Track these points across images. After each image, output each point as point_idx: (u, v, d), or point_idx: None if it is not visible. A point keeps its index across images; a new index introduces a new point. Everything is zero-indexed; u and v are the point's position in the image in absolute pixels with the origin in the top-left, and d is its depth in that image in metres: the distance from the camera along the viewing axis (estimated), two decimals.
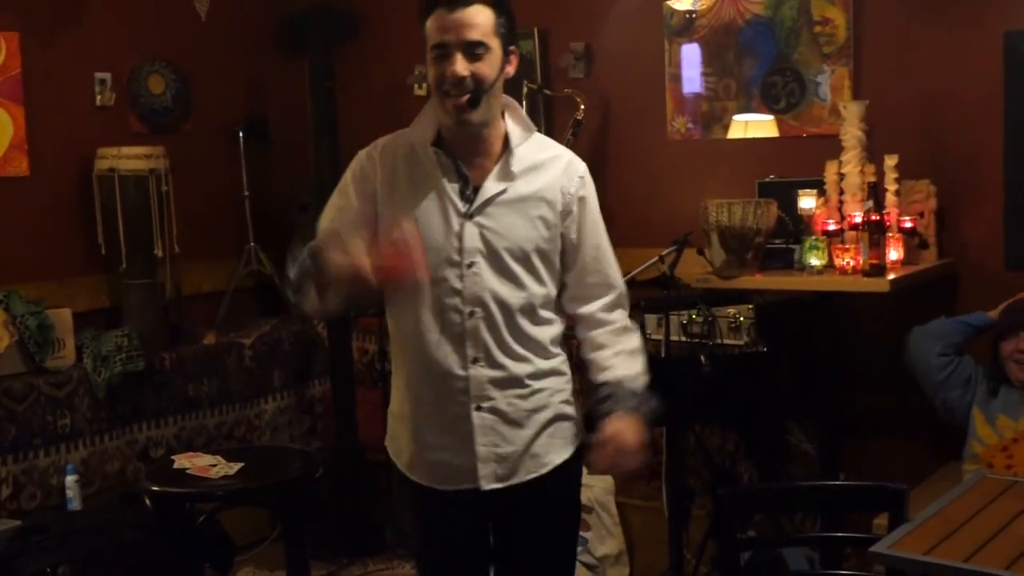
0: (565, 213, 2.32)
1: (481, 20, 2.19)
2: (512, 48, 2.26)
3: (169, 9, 4.62)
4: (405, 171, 2.31)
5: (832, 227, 3.42)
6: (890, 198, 3.42)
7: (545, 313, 2.35)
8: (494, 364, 2.27)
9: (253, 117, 4.85)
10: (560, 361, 2.40)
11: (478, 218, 2.25)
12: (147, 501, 2.79)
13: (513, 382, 2.29)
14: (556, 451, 2.37)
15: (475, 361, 2.25)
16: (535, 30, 4.41)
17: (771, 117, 3.89)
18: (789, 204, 3.54)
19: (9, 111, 4.12)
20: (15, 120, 4.13)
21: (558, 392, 2.38)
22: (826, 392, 3.46)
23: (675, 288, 3.44)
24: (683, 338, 3.62)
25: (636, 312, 3.90)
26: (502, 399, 2.28)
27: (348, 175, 2.39)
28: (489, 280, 2.25)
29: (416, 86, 4.81)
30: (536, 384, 2.33)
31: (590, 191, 2.38)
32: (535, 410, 2.33)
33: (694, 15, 4.02)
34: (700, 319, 3.59)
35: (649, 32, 4.14)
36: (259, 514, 4.15)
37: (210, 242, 4.67)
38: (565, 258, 2.36)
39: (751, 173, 3.83)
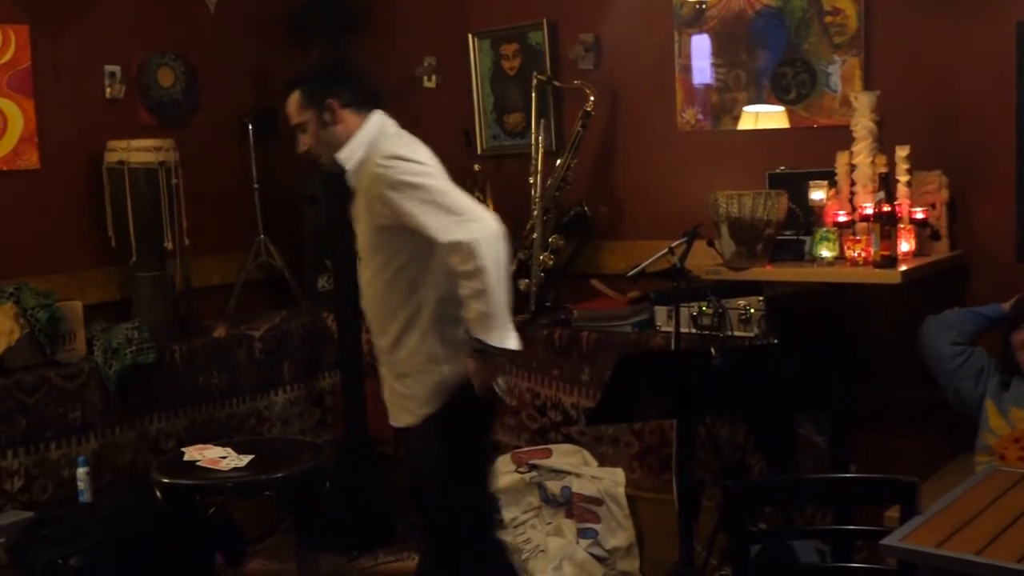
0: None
1: (291, 107, 2.92)
2: (327, 99, 2.89)
3: (178, 1, 4.62)
4: None
5: (843, 218, 3.41)
6: (901, 189, 3.40)
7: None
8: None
9: (262, 109, 4.85)
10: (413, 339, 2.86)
11: None
12: (158, 493, 2.79)
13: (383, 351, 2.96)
14: (398, 416, 2.96)
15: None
16: (544, 21, 4.40)
17: (782, 108, 3.88)
18: (800, 195, 3.52)
19: (19, 104, 4.12)
20: (25, 113, 4.14)
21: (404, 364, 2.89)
22: (837, 384, 3.45)
23: (685, 280, 3.42)
24: (693, 330, 3.61)
25: (647, 304, 3.92)
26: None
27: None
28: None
29: (425, 78, 4.81)
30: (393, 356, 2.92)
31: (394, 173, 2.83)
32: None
33: (704, 5, 4.00)
34: (710, 311, 3.58)
35: (659, 23, 4.12)
36: (269, 506, 4.15)
37: (220, 234, 4.68)
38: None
39: (761, 164, 3.82)
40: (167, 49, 4.59)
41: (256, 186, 4.74)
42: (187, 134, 4.56)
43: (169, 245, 4.26)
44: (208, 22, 4.67)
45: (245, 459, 2.86)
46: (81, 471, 3.82)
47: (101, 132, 4.26)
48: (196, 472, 2.81)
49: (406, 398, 2.90)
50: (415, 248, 2.80)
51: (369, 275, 2.93)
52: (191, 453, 2.92)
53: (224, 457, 2.88)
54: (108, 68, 4.40)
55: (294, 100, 2.94)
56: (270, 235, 4.76)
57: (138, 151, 4.18)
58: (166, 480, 2.77)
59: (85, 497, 3.82)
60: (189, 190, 4.35)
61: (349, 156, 2.92)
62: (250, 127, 4.76)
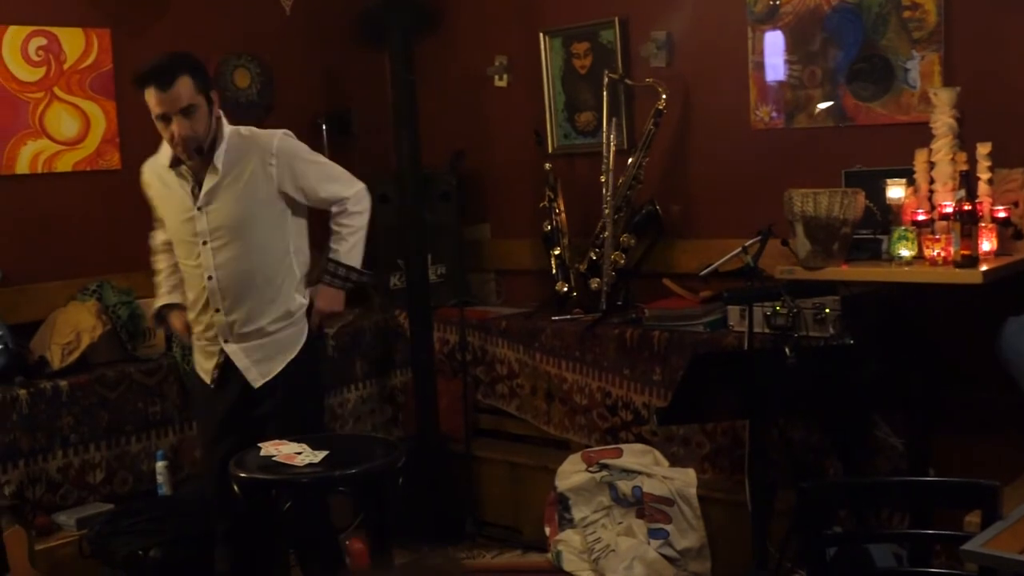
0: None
1: (183, 90, 3.04)
2: (211, 90, 3.14)
3: (254, 3, 4.69)
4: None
5: (922, 217, 3.34)
6: (982, 187, 3.32)
7: None
8: None
9: (335, 109, 4.91)
10: None
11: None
12: (235, 487, 2.84)
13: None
14: None
15: None
16: (616, 19, 4.38)
17: (854, 105, 3.81)
18: (877, 194, 3.46)
19: (101, 106, 4.23)
20: (107, 115, 4.24)
21: None
22: (915, 386, 3.38)
23: (759, 279, 3.39)
24: (766, 330, 3.57)
25: (719, 303, 3.89)
26: None
27: None
28: None
29: (496, 77, 4.82)
30: None
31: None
32: None
33: (778, 1, 3.95)
34: (784, 311, 3.54)
35: (731, 19, 4.09)
36: (341, 502, 4.20)
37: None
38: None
39: (837, 162, 3.76)
40: (243, 50, 4.67)
41: None
42: None
43: None
44: (283, 23, 4.74)
45: (320, 455, 2.89)
46: (160, 465, 3.91)
47: None
48: (272, 467, 2.84)
49: None
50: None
51: (241, 251, 3.20)
52: (267, 448, 2.95)
53: (299, 453, 2.91)
54: None
55: (187, 84, 3.04)
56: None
57: None
58: (243, 474, 2.81)
59: (164, 490, 3.90)
60: None
61: (224, 132, 3.18)
62: (323, 127, 4.82)
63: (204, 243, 3.16)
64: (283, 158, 3.21)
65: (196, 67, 3.11)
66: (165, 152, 3.21)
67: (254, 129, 3.27)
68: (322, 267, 3.37)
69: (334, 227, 3.34)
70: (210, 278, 3.18)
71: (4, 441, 3.62)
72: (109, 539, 3.54)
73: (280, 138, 3.23)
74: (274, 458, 2.90)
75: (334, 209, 3.33)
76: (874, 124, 3.78)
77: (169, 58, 3.09)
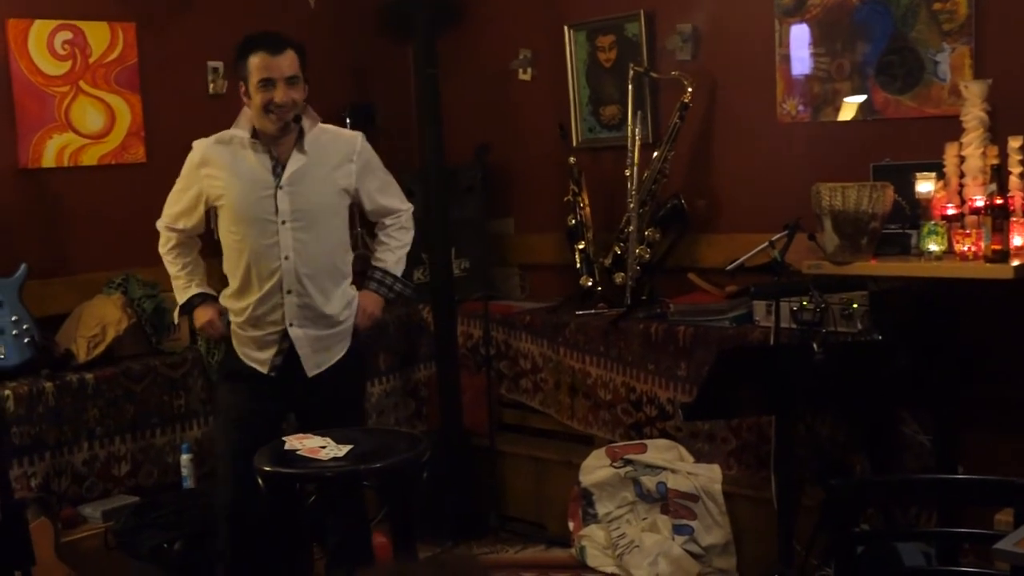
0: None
1: (290, 61, 3.15)
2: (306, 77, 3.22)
3: None
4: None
5: (952, 211, 3.30)
6: (1014, 181, 3.28)
7: None
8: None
9: (359, 103, 4.89)
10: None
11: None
12: (259, 481, 2.84)
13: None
14: None
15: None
16: (641, 12, 4.35)
17: (881, 98, 3.77)
18: (906, 188, 3.42)
19: (127, 99, 4.24)
20: (132, 108, 4.25)
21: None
22: (944, 382, 3.35)
23: (785, 274, 3.36)
24: (793, 325, 3.54)
25: (745, 298, 3.86)
26: None
27: None
28: None
29: (520, 70, 4.80)
30: None
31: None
32: None
33: None
34: (811, 306, 3.51)
35: (758, 12, 4.05)
36: (366, 496, 4.20)
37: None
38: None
39: (865, 156, 3.72)
40: None
41: None
42: None
43: None
44: (308, 17, 4.73)
45: (344, 449, 2.88)
46: (185, 458, 3.92)
47: (204, 126, 4.29)
48: (296, 461, 2.84)
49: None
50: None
51: (317, 235, 3.23)
52: (291, 442, 2.95)
53: (323, 447, 2.90)
54: (211, 64, 4.50)
55: (293, 57, 3.16)
56: (368, 228, 4.80)
57: None
58: (267, 468, 2.81)
59: (188, 483, 3.91)
60: None
61: (311, 120, 3.24)
62: (348, 120, 4.81)
63: (284, 222, 3.17)
64: (363, 158, 3.32)
65: (300, 47, 3.21)
66: (244, 126, 3.23)
67: (336, 127, 3.41)
68: (369, 275, 3.44)
69: (384, 238, 3.45)
70: (287, 258, 3.18)
71: (31, 433, 3.63)
72: (134, 532, 3.55)
73: (363, 139, 3.35)
74: (298, 452, 2.89)
75: (388, 221, 3.44)
76: (903, 117, 3.73)
77: (277, 32, 3.22)
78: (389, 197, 3.43)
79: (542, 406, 4.42)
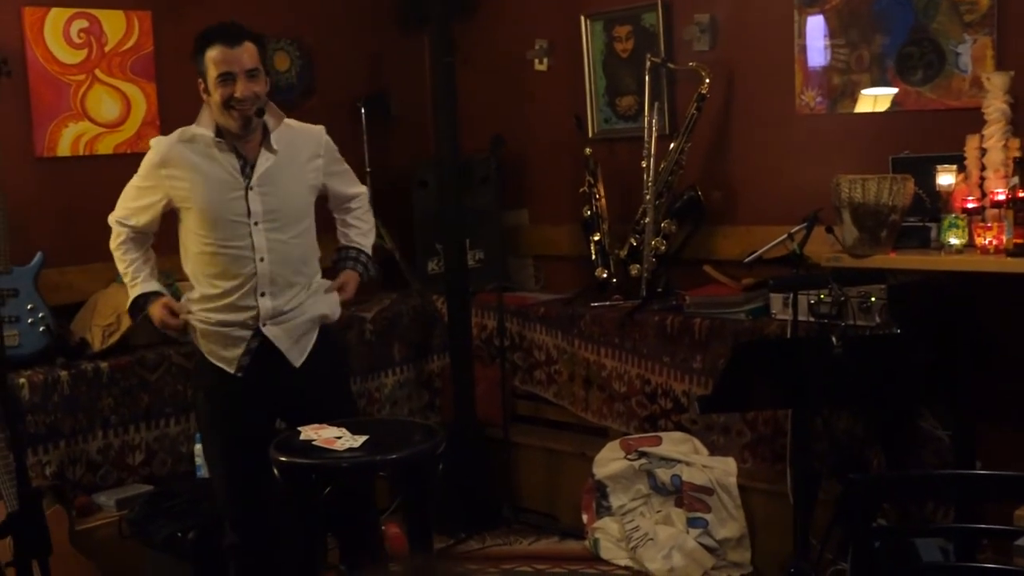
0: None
1: (250, 53, 3.02)
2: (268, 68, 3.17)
3: None
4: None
5: (972, 205, 3.28)
6: None
7: None
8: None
9: (375, 93, 4.89)
10: None
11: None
12: (275, 471, 2.83)
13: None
14: None
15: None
16: (659, 2, 4.33)
17: (895, 89, 3.74)
18: (926, 180, 3.40)
19: (142, 88, 4.23)
20: (148, 97, 4.25)
21: None
22: (963, 377, 3.32)
23: (804, 267, 3.33)
24: (811, 318, 3.52)
25: (762, 291, 3.84)
26: None
27: None
28: None
29: (536, 60, 4.78)
30: None
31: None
32: None
33: None
34: (829, 299, 3.48)
35: (777, 2, 4.02)
36: (379, 486, 4.19)
37: (332, 217, 4.71)
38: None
39: (884, 148, 3.69)
40: (283, 34, 4.66)
41: (368, 169, 4.78)
42: (301, 117, 4.54)
43: None
44: (322, 7, 4.73)
45: (360, 439, 2.87)
46: (199, 447, 3.91)
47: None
48: (312, 451, 2.83)
49: None
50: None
51: (292, 235, 3.14)
52: (307, 432, 2.94)
53: (339, 437, 2.89)
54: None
55: (252, 49, 3.04)
56: (381, 218, 4.77)
57: None
58: (283, 458, 2.80)
59: (202, 472, 3.90)
60: None
61: (275, 117, 3.14)
62: (362, 110, 4.80)
63: (256, 224, 3.07)
64: (328, 152, 3.28)
65: (258, 38, 3.10)
66: (206, 124, 3.10)
67: (297, 121, 3.27)
68: (350, 255, 3.40)
69: (354, 221, 3.41)
70: (261, 260, 3.09)
71: (46, 422, 3.64)
72: (148, 520, 3.55)
73: (325, 133, 3.29)
74: (314, 442, 2.89)
75: (354, 205, 3.40)
76: (923, 109, 3.70)
77: (233, 22, 3.11)
78: (352, 185, 3.40)
79: (556, 398, 4.41)
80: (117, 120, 4.18)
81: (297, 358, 3.18)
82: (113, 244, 3.25)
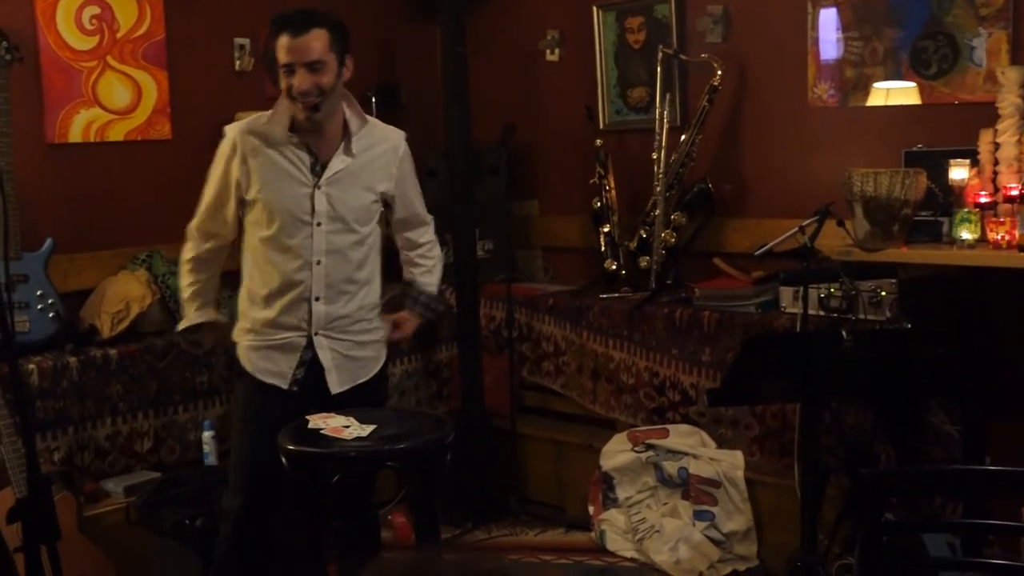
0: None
1: (317, 41, 2.86)
2: (347, 54, 2.95)
3: None
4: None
5: (985, 199, 3.26)
6: None
7: None
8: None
9: (385, 82, 4.88)
10: None
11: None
12: (283, 460, 2.83)
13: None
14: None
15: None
16: None
17: (913, 84, 3.72)
18: (938, 175, 3.38)
19: (153, 76, 4.23)
20: (159, 84, 4.24)
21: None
22: (973, 372, 3.31)
23: (814, 260, 3.32)
24: (821, 312, 3.51)
25: (772, 284, 3.82)
26: None
27: None
28: None
29: (548, 51, 4.77)
30: None
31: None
32: None
33: None
34: (839, 293, 3.47)
35: None
36: (385, 475, 4.20)
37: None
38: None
39: (897, 142, 3.67)
40: None
41: None
42: None
43: None
44: None
45: (368, 429, 2.87)
46: (207, 435, 3.92)
47: (230, 104, 4.33)
48: (321, 440, 2.83)
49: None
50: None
51: (353, 240, 3.03)
52: (315, 421, 2.94)
53: (347, 427, 2.89)
54: (237, 41, 4.48)
55: (322, 36, 2.88)
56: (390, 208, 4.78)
57: None
58: (291, 447, 2.80)
59: (210, 460, 3.92)
60: None
61: (358, 118, 3.01)
62: (373, 99, 4.79)
63: (319, 224, 2.95)
64: (406, 162, 3.14)
65: (336, 24, 2.93)
66: (281, 114, 2.96)
67: (380, 122, 3.14)
68: (413, 296, 3.28)
69: (419, 259, 3.28)
70: (319, 263, 2.96)
71: (54, 408, 3.64)
72: (156, 507, 3.56)
73: (405, 139, 3.15)
74: (322, 431, 2.88)
75: (422, 239, 3.26)
76: (937, 103, 3.68)
77: (305, 8, 2.94)
78: (421, 206, 3.23)
79: (564, 389, 4.41)
80: (128, 107, 4.18)
81: (336, 385, 3.04)
82: (184, 256, 3.15)
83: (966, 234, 3.22)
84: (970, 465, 3.22)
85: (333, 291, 3.00)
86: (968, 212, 3.24)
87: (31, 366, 3.60)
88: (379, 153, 3.05)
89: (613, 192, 4.43)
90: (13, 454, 3.10)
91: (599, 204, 4.44)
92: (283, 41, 2.89)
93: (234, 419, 3.20)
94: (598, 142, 4.44)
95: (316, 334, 3.01)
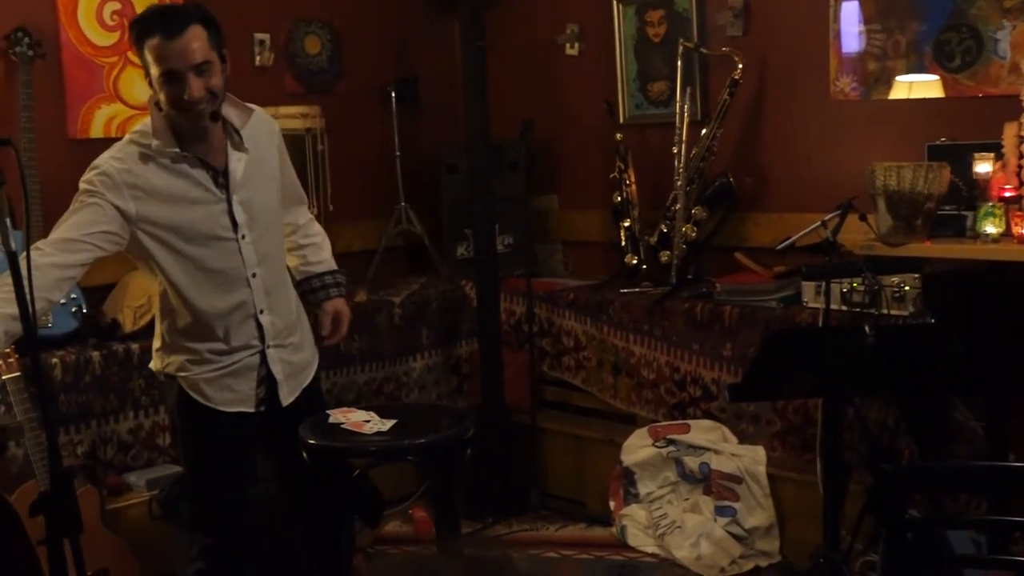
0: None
1: (197, 42, 2.51)
2: (224, 49, 2.63)
3: None
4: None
5: (1010, 193, 3.23)
6: None
7: None
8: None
9: (404, 77, 4.88)
10: None
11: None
12: (304, 454, 2.84)
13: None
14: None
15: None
16: None
17: (936, 77, 3.69)
18: (962, 168, 3.35)
19: None
20: None
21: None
22: (997, 368, 3.28)
23: (837, 255, 3.30)
24: (843, 307, 3.49)
25: (794, 279, 3.80)
26: None
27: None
28: None
29: (567, 45, 4.75)
30: None
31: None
32: None
33: None
34: (862, 288, 3.45)
35: None
36: (406, 469, 4.21)
37: (361, 201, 4.73)
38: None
39: (920, 135, 3.64)
40: (314, 18, 4.65)
41: (398, 154, 4.77)
42: (332, 101, 4.62)
43: (314, 211, 4.30)
44: None
45: (388, 423, 2.87)
46: None
47: (250, 99, 4.24)
48: (341, 435, 2.84)
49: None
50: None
51: (276, 239, 2.84)
52: (336, 416, 2.95)
53: (368, 421, 2.90)
54: (257, 36, 4.49)
55: (200, 35, 2.52)
56: (411, 202, 4.79)
57: (286, 118, 4.23)
58: (312, 441, 2.81)
59: None
60: (333, 157, 4.40)
61: (241, 109, 2.72)
62: (392, 95, 4.79)
63: (243, 237, 2.70)
64: (278, 138, 2.88)
65: (208, 18, 2.58)
66: (162, 129, 2.62)
67: (245, 103, 2.79)
68: (326, 282, 3.03)
69: (306, 240, 3.02)
70: (254, 275, 2.73)
71: (77, 401, 3.66)
72: (178, 501, 3.57)
73: (270, 116, 2.91)
74: (342, 425, 2.89)
75: (302, 220, 3.02)
76: (960, 96, 3.65)
77: (172, 4, 2.68)
78: (297, 184, 3.01)
79: (584, 384, 4.40)
80: None
81: (286, 395, 2.85)
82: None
83: (990, 228, 3.19)
84: (994, 461, 3.20)
85: (273, 299, 2.80)
86: (992, 206, 3.21)
87: (54, 360, 3.62)
88: (262, 137, 2.77)
89: (633, 187, 4.42)
90: (36, 448, 3.12)
91: (619, 199, 4.42)
92: (156, 45, 2.51)
93: (192, 458, 2.94)
94: (618, 136, 4.43)
95: (268, 347, 2.80)
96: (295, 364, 2.89)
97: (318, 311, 3.01)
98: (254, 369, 2.81)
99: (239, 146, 2.69)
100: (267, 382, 2.83)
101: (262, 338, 2.80)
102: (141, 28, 2.56)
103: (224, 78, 2.61)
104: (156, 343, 2.89)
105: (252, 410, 2.83)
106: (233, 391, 2.80)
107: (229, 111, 2.68)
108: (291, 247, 3.00)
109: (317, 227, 3.07)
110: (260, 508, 3.04)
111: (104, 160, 2.66)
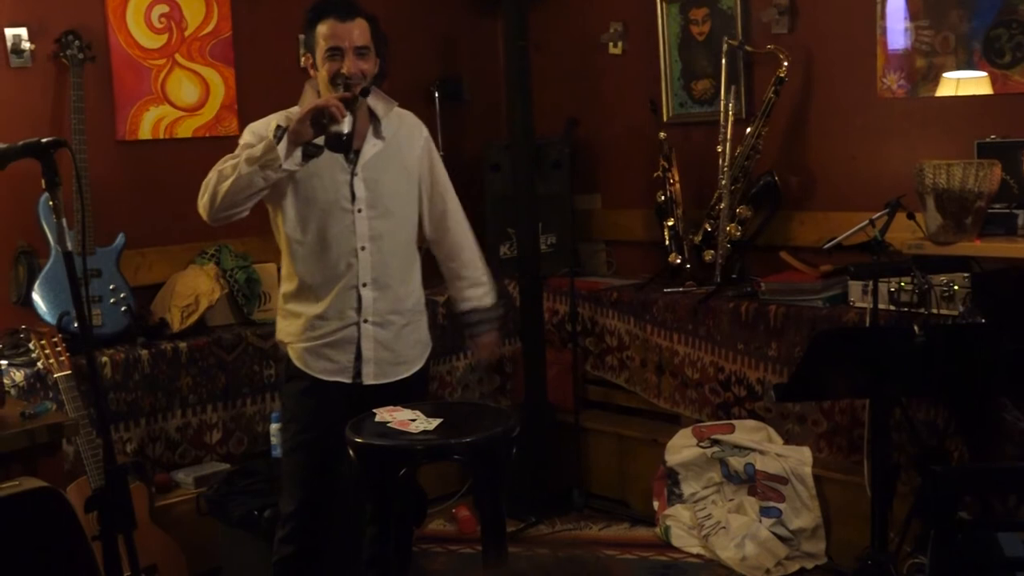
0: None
1: (360, 30, 2.90)
2: (384, 50, 3.01)
3: None
4: None
5: None
6: None
7: None
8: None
9: (447, 76, 4.89)
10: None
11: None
12: (350, 452, 2.85)
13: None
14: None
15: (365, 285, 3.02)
16: None
17: (984, 74, 3.64)
18: (1013, 166, 3.31)
19: (221, 73, 4.29)
20: (226, 81, 4.30)
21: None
22: None
23: (885, 254, 3.27)
24: (891, 307, 3.45)
25: (840, 278, 3.77)
26: None
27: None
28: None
29: (611, 44, 4.74)
30: None
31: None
32: None
33: None
34: (910, 287, 3.41)
35: None
36: (447, 467, 4.22)
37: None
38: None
39: (969, 133, 3.60)
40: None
41: (441, 153, 4.75)
42: None
43: None
44: None
45: (434, 422, 2.88)
46: (274, 427, 3.96)
47: (296, 99, 4.31)
48: (388, 433, 2.85)
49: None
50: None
51: (394, 225, 3.04)
52: (382, 415, 2.95)
53: (414, 420, 2.90)
54: (302, 37, 4.50)
55: (365, 27, 2.92)
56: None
57: None
58: (359, 440, 2.82)
59: (278, 452, 3.95)
60: None
61: (384, 102, 3.03)
62: (436, 94, 4.81)
63: (359, 211, 2.97)
64: (429, 144, 3.16)
65: (373, 18, 2.99)
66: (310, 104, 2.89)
67: (404, 110, 3.14)
68: (482, 319, 3.25)
69: (466, 272, 3.24)
70: (363, 248, 2.97)
71: (127, 400, 3.72)
72: (226, 498, 3.61)
73: (425, 128, 3.20)
74: (389, 424, 2.90)
75: (465, 256, 3.23)
76: (1011, 93, 3.60)
77: (355, 5, 2.97)
78: (453, 199, 3.19)
79: (628, 384, 4.39)
80: (196, 104, 4.24)
81: (369, 375, 3.03)
82: (212, 172, 3.01)
83: None
84: None
85: (380, 277, 3.01)
86: None
87: (104, 359, 3.68)
88: (404, 134, 3.07)
89: (677, 185, 4.40)
90: (88, 445, 3.17)
91: (663, 197, 4.41)
92: (329, 24, 2.90)
93: (288, 423, 3.12)
94: (662, 135, 4.41)
95: (364, 321, 3.01)
96: (392, 348, 3.05)
97: (470, 343, 3.36)
98: (352, 342, 3.02)
99: (378, 133, 3.01)
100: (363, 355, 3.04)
101: (359, 310, 2.99)
102: (319, 11, 2.94)
103: (376, 70, 2.96)
104: (278, 316, 3.17)
105: (349, 381, 3.03)
106: (332, 361, 3.02)
107: (376, 102, 3.01)
108: (450, 275, 3.27)
109: (480, 264, 3.26)
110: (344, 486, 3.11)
111: (255, 123, 3.08)
